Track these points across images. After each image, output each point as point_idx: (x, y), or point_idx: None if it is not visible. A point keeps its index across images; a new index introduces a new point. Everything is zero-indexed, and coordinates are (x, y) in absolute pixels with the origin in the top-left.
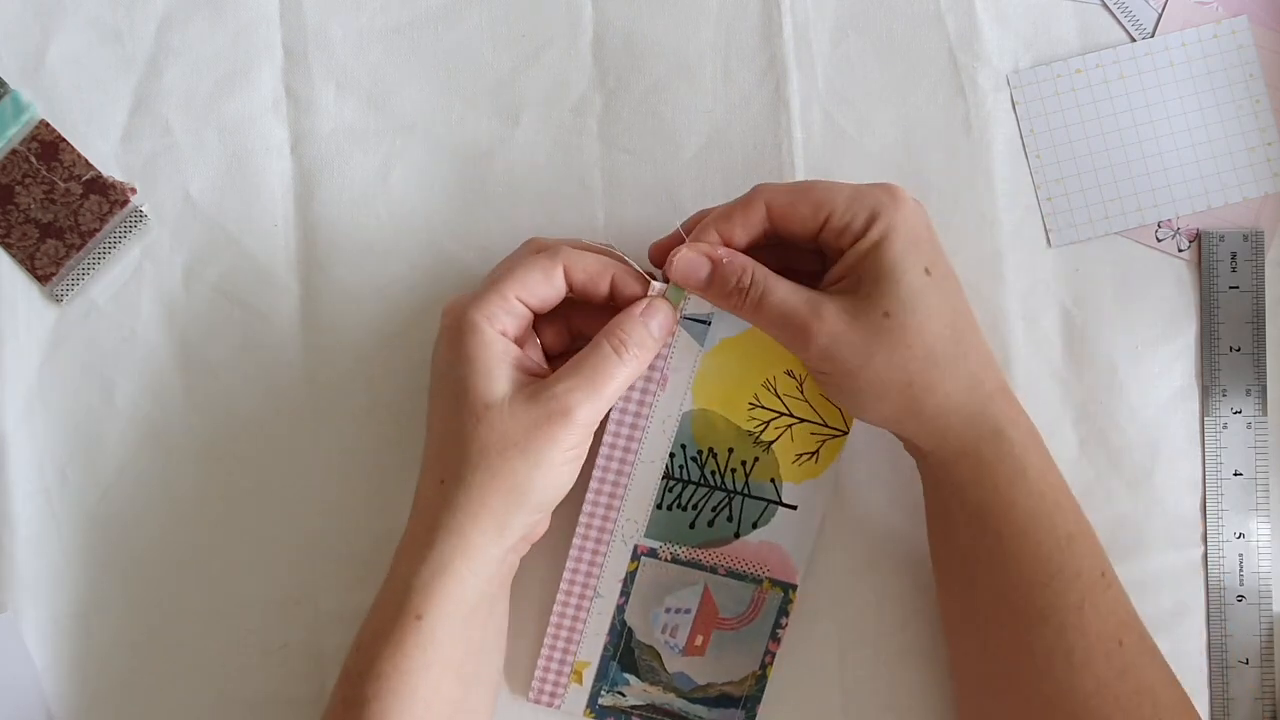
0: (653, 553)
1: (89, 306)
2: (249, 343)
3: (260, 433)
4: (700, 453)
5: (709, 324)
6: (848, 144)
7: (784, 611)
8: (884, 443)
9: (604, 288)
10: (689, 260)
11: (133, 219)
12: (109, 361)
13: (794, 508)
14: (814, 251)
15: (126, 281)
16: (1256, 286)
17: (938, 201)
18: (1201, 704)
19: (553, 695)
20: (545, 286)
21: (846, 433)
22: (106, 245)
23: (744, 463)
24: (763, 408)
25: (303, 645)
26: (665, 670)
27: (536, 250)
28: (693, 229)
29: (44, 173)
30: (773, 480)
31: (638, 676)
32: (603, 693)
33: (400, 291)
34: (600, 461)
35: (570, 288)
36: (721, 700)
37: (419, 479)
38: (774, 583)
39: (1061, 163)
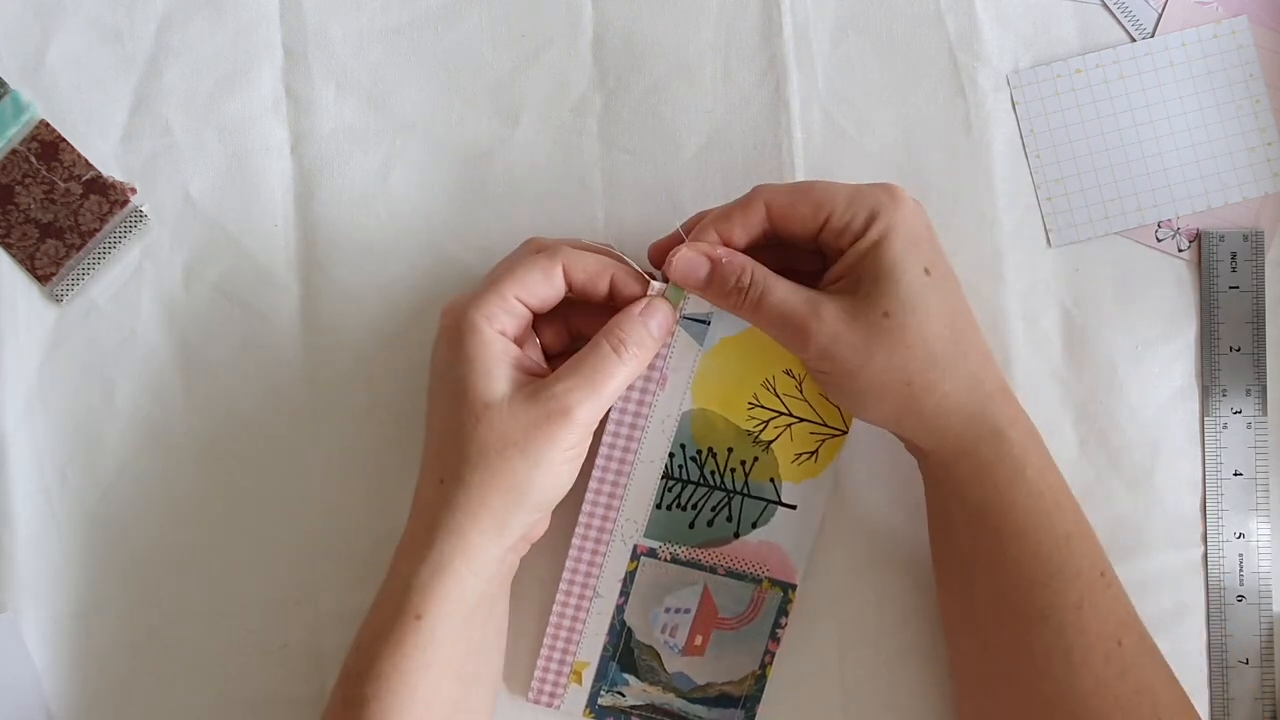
0: (652, 552)
1: (89, 306)
2: (249, 343)
3: (260, 433)
4: (700, 452)
5: (708, 324)
6: (848, 144)
7: (783, 611)
8: (884, 442)
9: (603, 287)
10: (688, 260)
11: (133, 219)
12: (109, 361)
13: (793, 507)
14: (814, 252)
15: (126, 281)
16: (1256, 286)
17: (938, 201)
18: (1201, 704)
19: (552, 695)
20: (544, 286)
21: (846, 432)
22: (106, 245)
23: (743, 462)
24: (762, 407)
25: (303, 645)
26: (665, 670)
27: (536, 250)
28: (692, 229)
29: (44, 173)
30: (772, 480)
31: (637, 676)
32: (602, 693)
33: (400, 291)
34: (600, 461)
35: (569, 287)
36: (721, 700)
37: (419, 479)
38: (773, 582)
39: (1061, 163)
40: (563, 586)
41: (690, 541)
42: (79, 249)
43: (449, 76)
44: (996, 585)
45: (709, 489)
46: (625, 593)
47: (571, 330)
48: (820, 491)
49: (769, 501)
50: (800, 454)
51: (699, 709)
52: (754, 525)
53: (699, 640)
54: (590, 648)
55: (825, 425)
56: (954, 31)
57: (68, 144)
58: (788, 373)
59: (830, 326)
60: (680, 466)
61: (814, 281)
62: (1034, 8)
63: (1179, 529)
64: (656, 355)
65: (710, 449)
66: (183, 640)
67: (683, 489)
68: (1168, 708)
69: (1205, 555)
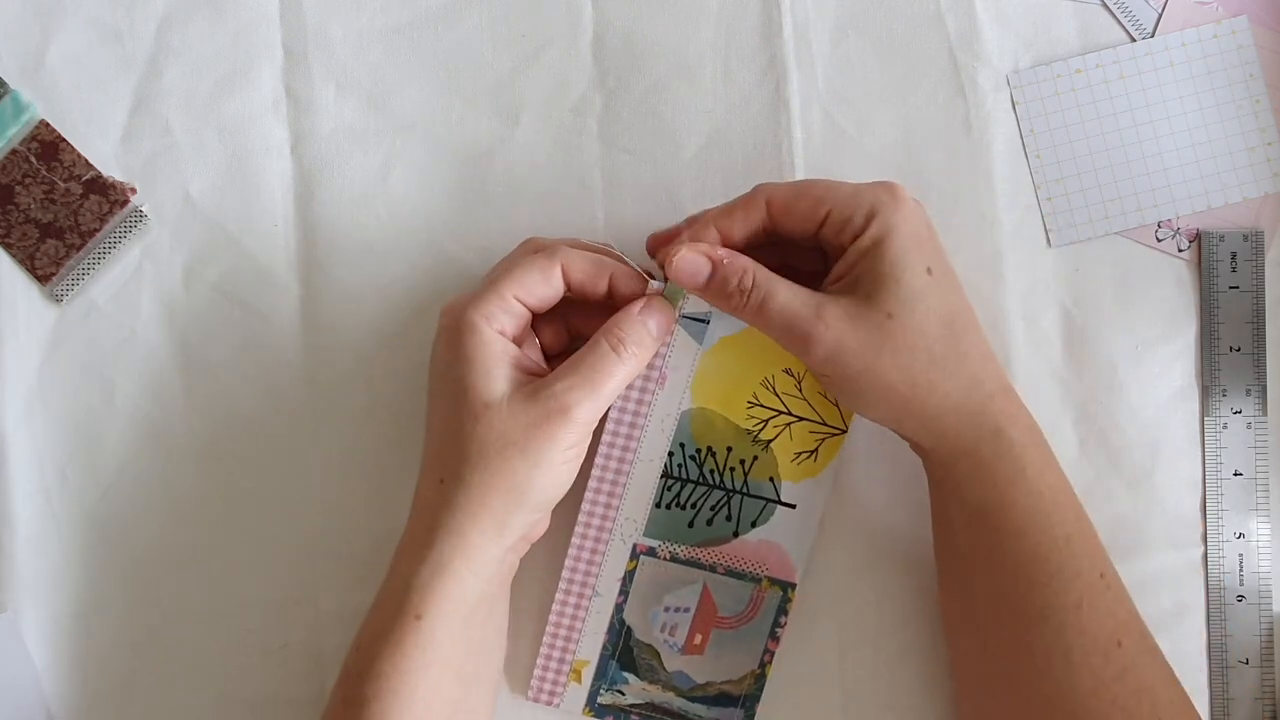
0: (651, 551)
1: (89, 306)
2: (249, 343)
3: (260, 433)
4: (699, 451)
5: (707, 323)
6: (848, 144)
7: (783, 610)
8: (884, 441)
9: (602, 287)
10: (689, 261)
11: (133, 219)
12: (109, 361)
13: (793, 506)
14: (814, 250)
15: (126, 281)
16: (1256, 286)
17: (938, 201)
18: (1201, 704)
19: (552, 694)
20: (543, 286)
21: (845, 431)
22: (106, 245)
23: (743, 461)
24: (761, 406)
25: (303, 645)
26: (664, 669)
27: (534, 250)
28: (691, 225)
29: (44, 173)
30: (771, 479)
31: (637, 675)
32: (602, 691)
33: (400, 291)
34: (599, 460)
35: (568, 287)
36: (720, 699)
37: (418, 479)
38: (773, 581)
39: (1061, 163)
40: (562, 585)
41: (689, 540)
42: (79, 249)
43: (449, 76)
44: (996, 585)
45: (708, 488)
46: (625, 591)
47: (571, 330)
48: (820, 491)
49: (768, 500)
50: (800, 453)
51: (698, 708)
52: (753, 524)
53: (698, 639)
54: (590, 646)
55: (825, 424)
56: (954, 31)
57: (68, 144)
58: (787, 372)
59: (834, 330)
60: (680, 465)
61: (814, 280)
62: (1034, 8)
63: (1179, 529)
64: (655, 354)
65: (709, 448)
66: (183, 640)
67: (682, 488)
68: (1168, 708)
69: (1205, 555)
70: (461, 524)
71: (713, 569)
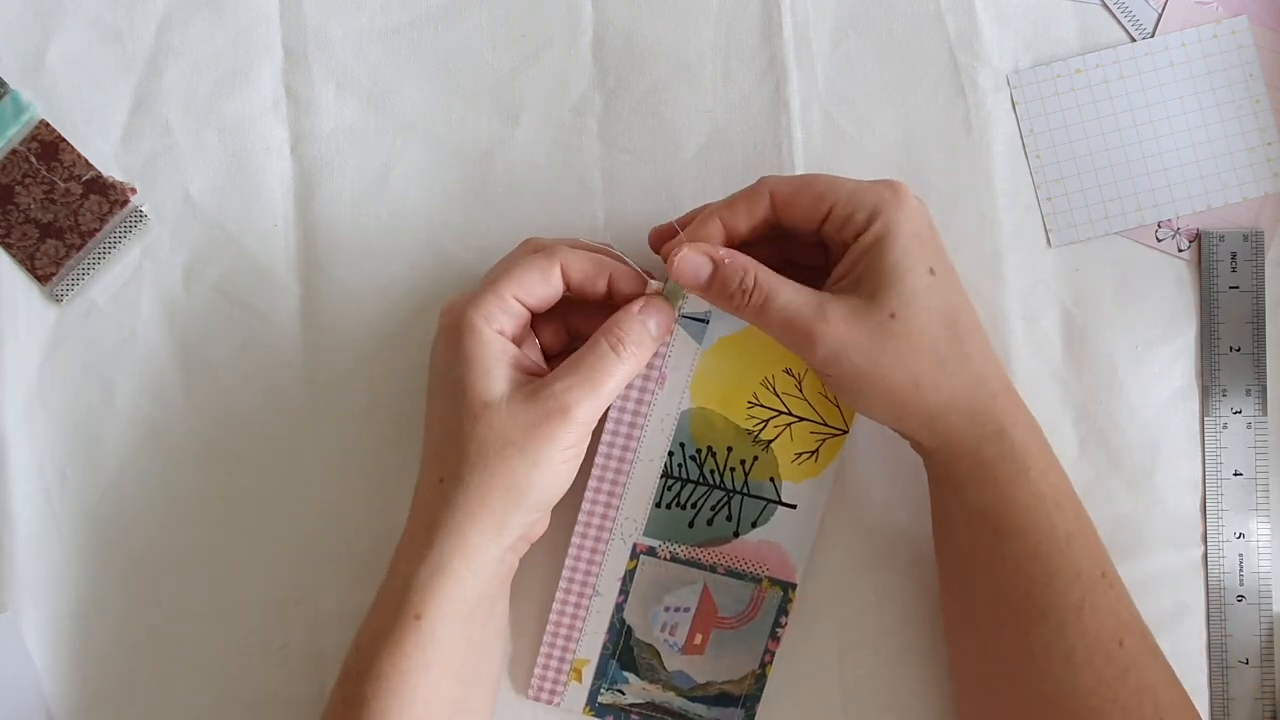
0: (652, 551)
1: (89, 306)
2: (249, 343)
3: (260, 433)
4: (699, 451)
5: (707, 322)
6: (848, 144)
7: (783, 610)
8: (884, 442)
9: (601, 287)
10: (690, 260)
11: (133, 219)
12: (109, 361)
13: (793, 507)
14: (817, 245)
15: (126, 281)
16: (1256, 286)
17: (938, 201)
18: (1201, 704)
19: (552, 693)
20: (543, 286)
21: (846, 431)
22: (106, 245)
23: (743, 461)
24: (761, 406)
25: (303, 645)
26: (664, 669)
27: (534, 250)
28: (688, 224)
29: (44, 173)
30: (772, 479)
31: (637, 675)
32: (602, 690)
33: (400, 291)
34: (599, 460)
35: (568, 287)
36: (721, 699)
37: (418, 479)
38: (773, 582)
39: (1061, 163)
40: (562, 585)
41: (690, 540)
42: (79, 249)
43: (449, 76)
44: (997, 584)
45: (708, 488)
46: (625, 591)
47: (570, 330)
48: (820, 491)
49: (769, 501)
50: (800, 453)
51: (699, 708)
52: (754, 524)
53: (699, 639)
54: (590, 646)
55: (825, 424)
56: (954, 31)
57: (68, 144)
58: (787, 371)
59: (837, 330)
60: (680, 465)
61: (817, 276)
62: (1034, 8)
63: (1179, 529)
64: (655, 354)
65: (710, 448)
66: (183, 640)
67: (682, 488)
68: (1169, 708)
69: (1205, 555)
70: (461, 524)
71: (713, 569)
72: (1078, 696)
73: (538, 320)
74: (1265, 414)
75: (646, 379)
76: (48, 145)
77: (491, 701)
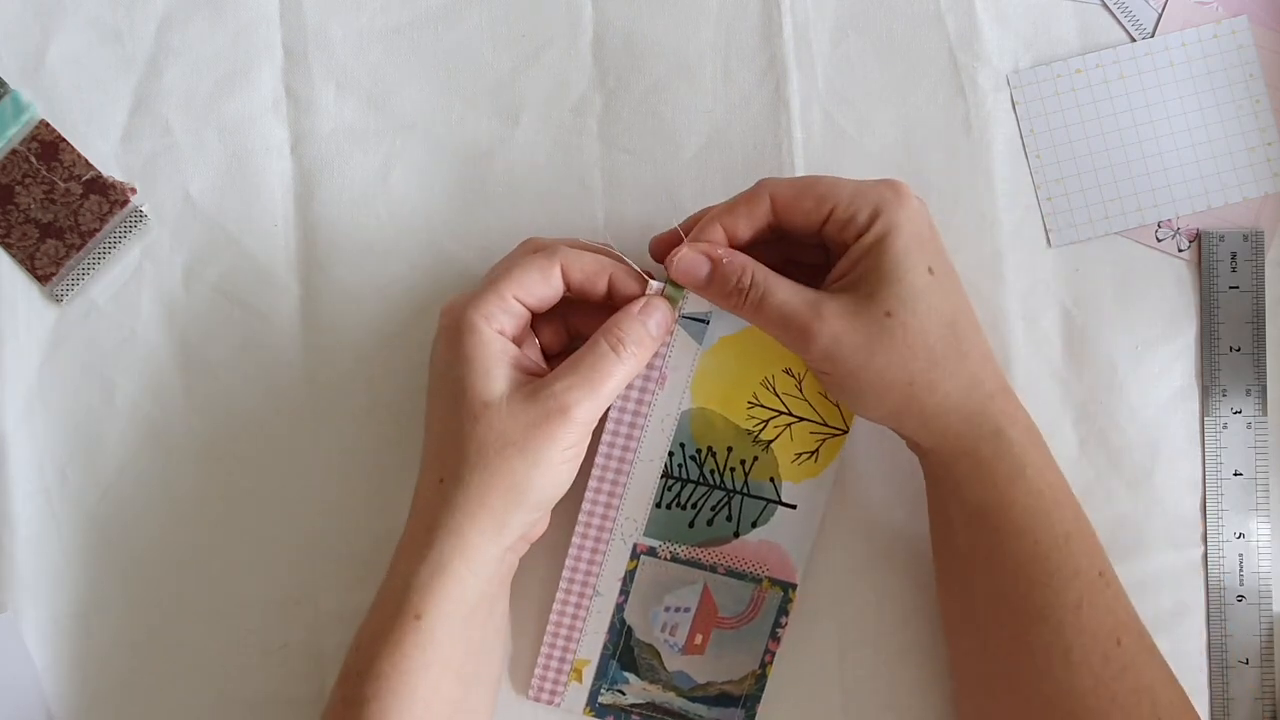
0: (652, 551)
1: (89, 306)
2: (249, 343)
3: (260, 433)
4: (699, 451)
5: (707, 322)
6: (848, 144)
7: (784, 611)
8: (884, 442)
9: (601, 287)
10: (689, 259)
11: (133, 219)
12: (109, 361)
13: (793, 507)
14: (817, 246)
15: (126, 281)
16: (1256, 286)
17: (938, 201)
18: (1201, 704)
19: (552, 693)
20: (543, 286)
21: (846, 432)
22: (106, 245)
23: (743, 461)
24: (762, 406)
25: (303, 645)
26: (665, 669)
27: (534, 250)
28: (691, 228)
29: (44, 173)
30: (772, 479)
31: (637, 675)
32: (602, 691)
33: (400, 291)
34: (599, 460)
35: (568, 287)
36: (721, 699)
37: (418, 479)
38: (773, 582)
39: (1061, 163)
40: (563, 585)
41: (690, 540)
42: (79, 249)
43: (449, 76)
44: (995, 584)
45: (709, 488)
46: (625, 591)
47: (570, 330)
48: (820, 491)
49: (769, 501)
50: (800, 453)
51: (699, 708)
52: (754, 525)
53: (699, 639)
54: (590, 646)
55: (825, 425)
56: (954, 31)
57: (68, 144)
58: (787, 372)
59: (832, 327)
60: (680, 465)
61: (817, 275)
62: (1034, 8)
63: (1179, 529)
64: (655, 354)
65: (710, 448)
66: (183, 640)
67: (682, 488)
68: (1167, 707)
69: (1205, 555)
70: (461, 524)
71: (713, 569)
72: (1076, 696)
73: (538, 320)
74: (1265, 414)
75: (647, 379)
76: (48, 145)
77: (492, 701)
